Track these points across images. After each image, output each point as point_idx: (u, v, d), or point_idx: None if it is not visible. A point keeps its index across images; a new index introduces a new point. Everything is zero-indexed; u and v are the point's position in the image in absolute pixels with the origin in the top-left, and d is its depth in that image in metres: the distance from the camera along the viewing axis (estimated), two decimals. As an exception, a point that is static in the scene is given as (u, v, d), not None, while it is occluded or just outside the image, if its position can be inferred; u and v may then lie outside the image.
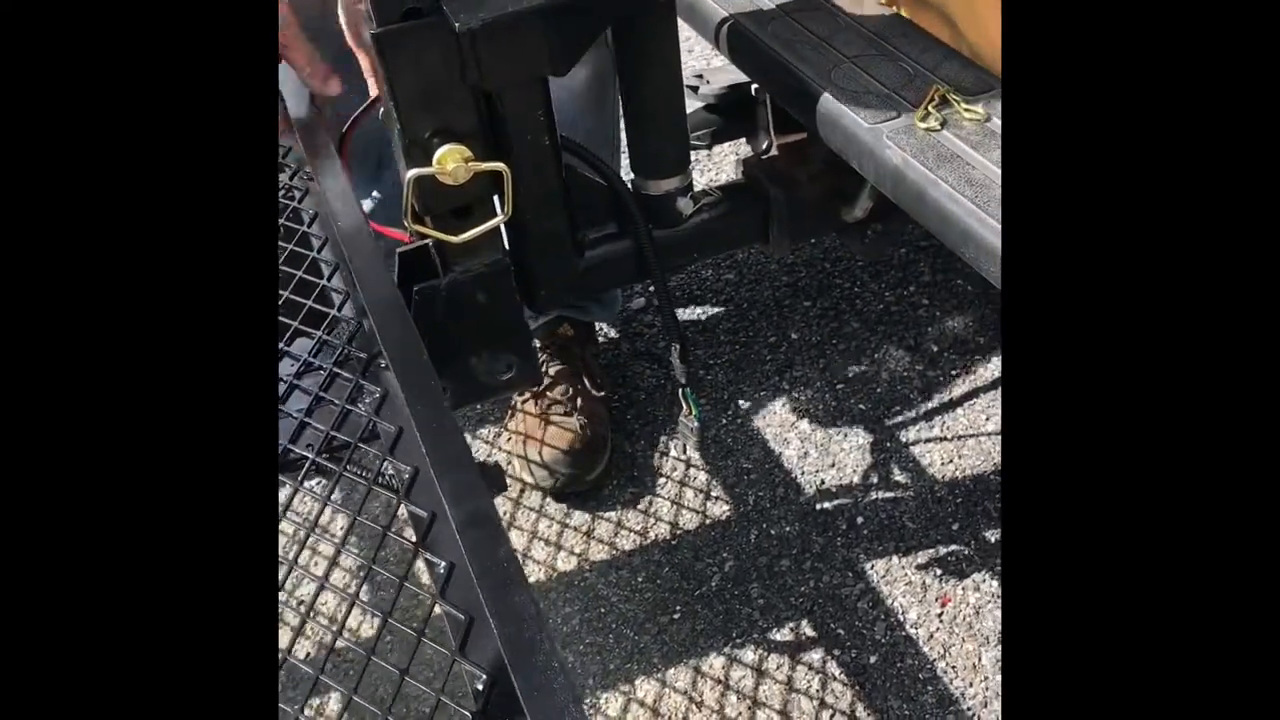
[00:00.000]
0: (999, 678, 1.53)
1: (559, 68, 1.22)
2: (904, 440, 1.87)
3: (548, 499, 1.82)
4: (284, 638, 1.41)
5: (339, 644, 1.53)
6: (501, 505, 1.83)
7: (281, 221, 1.43)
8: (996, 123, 1.17)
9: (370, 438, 1.13)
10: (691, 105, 1.66)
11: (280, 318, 1.25)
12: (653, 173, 1.35)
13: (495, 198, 1.23)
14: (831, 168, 1.39)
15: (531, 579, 1.72)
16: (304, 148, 1.42)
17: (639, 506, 1.80)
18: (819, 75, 1.27)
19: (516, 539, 1.76)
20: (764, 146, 1.57)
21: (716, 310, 2.15)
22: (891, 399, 1.94)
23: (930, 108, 1.19)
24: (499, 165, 1.17)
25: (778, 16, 1.39)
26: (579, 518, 1.79)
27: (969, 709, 1.50)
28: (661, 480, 1.84)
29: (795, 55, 1.31)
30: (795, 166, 1.44)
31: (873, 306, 2.12)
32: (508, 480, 1.85)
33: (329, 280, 1.28)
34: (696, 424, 1.45)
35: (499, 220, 1.22)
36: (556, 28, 1.16)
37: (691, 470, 1.85)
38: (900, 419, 1.90)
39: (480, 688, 0.86)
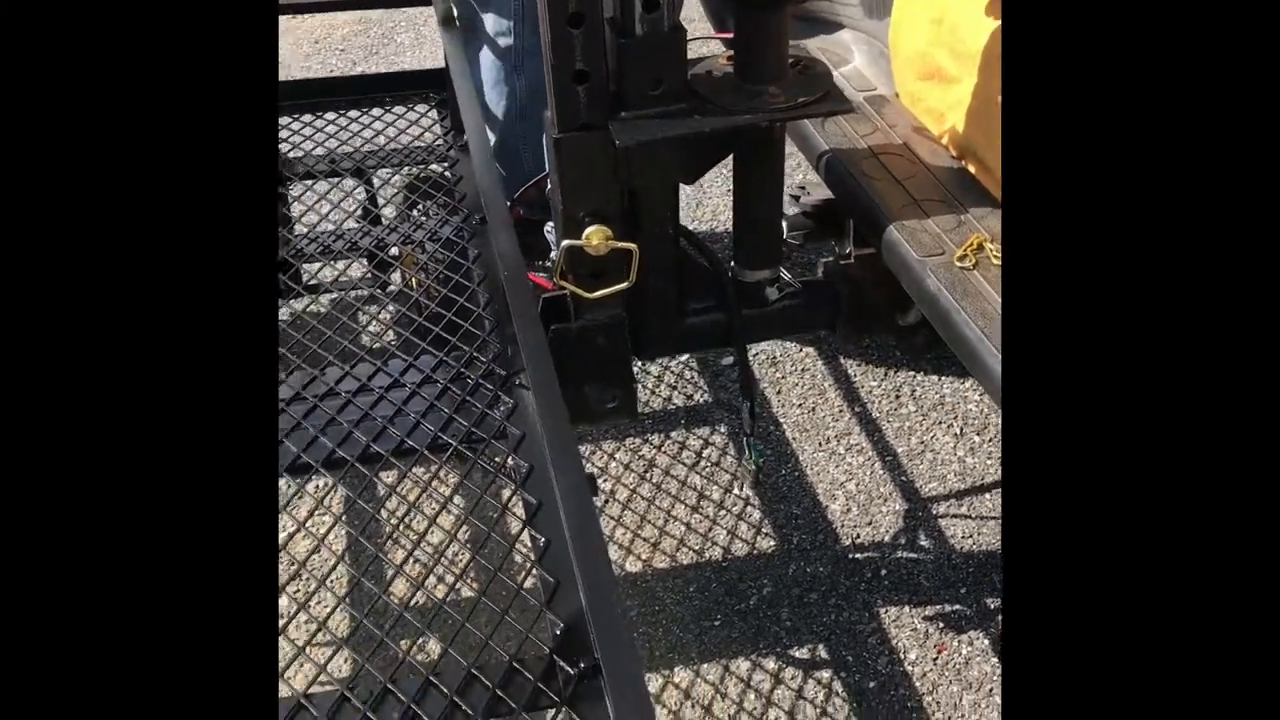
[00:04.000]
0: (973, 717, 1.83)
1: (689, 178, 1.59)
2: (934, 513, 2.19)
3: (625, 511, 2.18)
4: (401, 589, 1.77)
5: (450, 596, 1.90)
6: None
7: (452, 255, 1.80)
8: (1017, 270, 1.50)
9: (499, 436, 1.48)
10: (792, 210, 2.02)
11: (441, 333, 1.62)
12: (749, 264, 1.71)
13: (624, 268, 1.59)
14: (893, 280, 1.72)
15: (603, 575, 2.07)
16: (481, 196, 1.78)
17: (700, 530, 2.15)
18: (890, 210, 1.61)
19: (595, 540, 2.12)
20: (846, 253, 1.91)
21: (795, 378, 2.49)
22: (931, 476, 2.26)
23: (969, 250, 1.52)
24: (631, 245, 1.54)
25: (868, 156, 1.74)
26: (649, 530, 2.14)
27: (943, 737, 1.81)
28: (723, 513, 2.18)
29: (875, 190, 1.66)
30: (864, 274, 1.78)
31: (929, 394, 2.44)
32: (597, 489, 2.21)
33: (483, 310, 1.65)
34: (754, 468, 1.79)
35: (625, 285, 1.58)
36: (691, 149, 1.53)
37: (749, 508, 2.19)
38: (935, 494, 2.22)
39: (557, 633, 1.20)
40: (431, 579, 2.00)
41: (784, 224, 1.94)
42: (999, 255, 1.52)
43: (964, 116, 1.68)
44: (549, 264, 1.62)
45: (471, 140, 1.93)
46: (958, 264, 1.51)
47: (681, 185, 1.65)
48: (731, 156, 1.64)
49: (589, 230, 1.52)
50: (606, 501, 2.20)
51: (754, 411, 1.78)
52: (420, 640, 1.81)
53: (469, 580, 1.92)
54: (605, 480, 2.25)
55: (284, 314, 1.83)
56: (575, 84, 1.42)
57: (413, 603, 1.81)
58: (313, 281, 2.16)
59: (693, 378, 2.50)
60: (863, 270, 1.79)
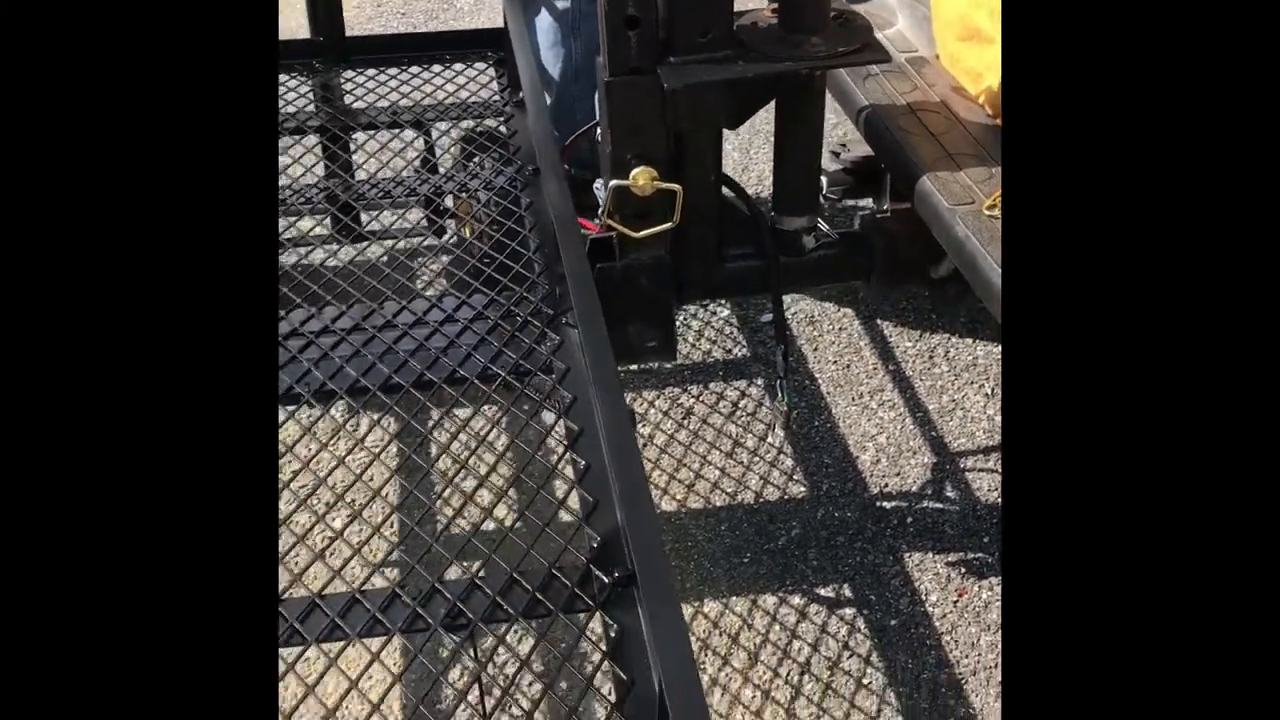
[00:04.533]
0: (990, 656, 1.91)
1: (732, 123, 1.67)
2: (962, 467, 2.26)
3: (663, 455, 2.27)
4: (450, 504, 1.86)
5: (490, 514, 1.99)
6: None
7: (505, 203, 1.89)
8: (1043, 220, 1.57)
9: (545, 369, 1.57)
10: (833, 166, 2.10)
11: (493, 274, 1.71)
12: (788, 210, 1.79)
13: (669, 209, 1.67)
14: (926, 233, 1.79)
15: (639, 513, 2.16)
16: (535, 149, 1.87)
17: (734, 475, 2.23)
18: (924, 162, 1.69)
19: (633, 481, 2.21)
20: (883, 208, 1.98)
21: (831, 336, 2.57)
22: (960, 433, 2.33)
23: (997, 200, 1.59)
24: (675, 186, 1.62)
25: (906, 112, 1.81)
26: (685, 473, 2.23)
27: (959, 674, 1.89)
28: (756, 459, 2.27)
29: (910, 144, 1.73)
30: (899, 227, 1.85)
31: (963, 356, 2.51)
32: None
33: (532, 254, 1.73)
34: (785, 409, 1.87)
35: (669, 226, 1.67)
36: (735, 94, 1.61)
37: (781, 455, 2.27)
38: (963, 449, 2.29)
39: (594, 546, 1.28)
40: (478, 495, 2.09)
41: (825, 179, 2.02)
42: (1026, 205, 1.58)
43: (999, 75, 1.75)
44: (599, 220, 1.70)
45: (527, 96, 2.01)
46: (986, 212, 1.58)
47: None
48: (775, 113, 1.72)
49: (636, 171, 1.61)
50: (645, 445, 2.29)
51: (787, 355, 1.86)
52: (466, 549, 1.91)
53: (513, 499, 2.01)
54: (645, 425, 2.34)
55: (346, 254, 1.93)
56: (627, 29, 1.50)
57: (460, 517, 1.91)
58: (373, 225, 2.26)
59: (732, 333, 2.59)
60: (898, 224, 1.86)
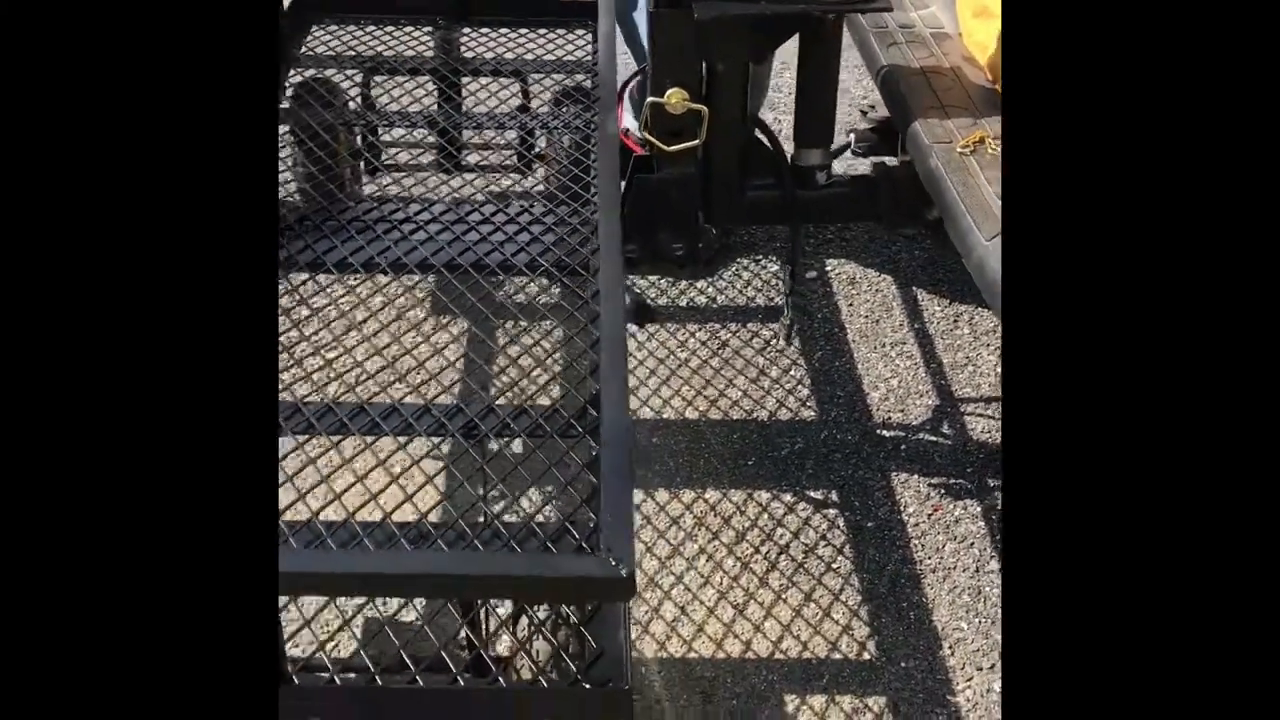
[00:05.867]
0: (950, 560, 2.16)
1: (756, 56, 1.98)
2: (962, 411, 2.50)
3: (694, 375, 2.57)
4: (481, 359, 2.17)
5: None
6: (656, 369, 2.59)
7: (578, 139, 2.21)
8: (1007, 159, 1.83)
9: (584, 266, 1.89)
10: (861, 125, 2.38)
11: (554, 191, 2.02)
12: (804, 143, 2.08)
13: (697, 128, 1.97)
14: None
15: (665, 417, 2.46)
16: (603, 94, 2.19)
17: (754, 397, 2.52)
18: (919, 111, 1.97)
19: (658, 406, 2.51)
20: (897, 160, 2.26)
21: (868, 295, 2.83)
22: (968, 384, 2.57)
23: (972, 141, 1.86)
24: (702, 106, 1.93)
25: (917, 74, 2.09)
26: (710, 391, 2.53)
27: (919, 570, 2.14)
28: (776, 386, 2.55)
29: (914, 97, 2.01)
30: (904, 174, 2.12)
31: (985, 323, 2.75)
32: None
33: (591, 178, 2.05)
34: (788, 323, 2.16)
35: (696, 143, 1.97)
36: (758, 30, 1.91)
37: (799, 385, 2.55)
38: (967, 397, 2.54)
39: (595, 391, 1.58)
40: (511, 350, 2.41)
41: (853, 135, 2.31)
42: (995, 149, 1.85)
43: (998, 46, 2.02)
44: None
45: (601, 57, 2.34)
46: (958, 150, 1.85)
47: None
48: (798, 57, 2.02)
49: (670, 91, 1.92)
50: (679, 366, 2.59)
51: (795, 275, 2.15)
52: (487, 381, 2.23)
53: (540, 357, 2.31)
54: (682, 351, 2.64)
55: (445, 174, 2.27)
56: (672, -33, 1.82)
57: (490, 364, 2.23)
58: (469, 152, 2.61)
59: (777, 284, 2.87)
60: (903, 171, 2.14)
